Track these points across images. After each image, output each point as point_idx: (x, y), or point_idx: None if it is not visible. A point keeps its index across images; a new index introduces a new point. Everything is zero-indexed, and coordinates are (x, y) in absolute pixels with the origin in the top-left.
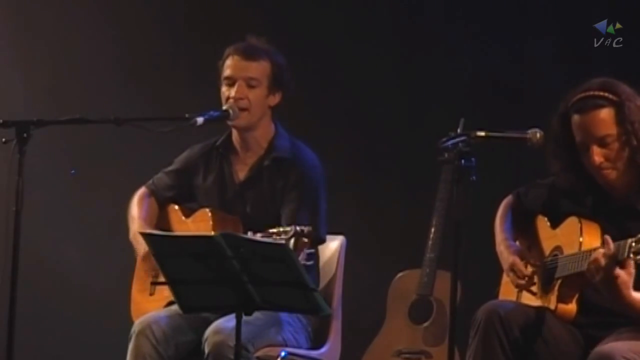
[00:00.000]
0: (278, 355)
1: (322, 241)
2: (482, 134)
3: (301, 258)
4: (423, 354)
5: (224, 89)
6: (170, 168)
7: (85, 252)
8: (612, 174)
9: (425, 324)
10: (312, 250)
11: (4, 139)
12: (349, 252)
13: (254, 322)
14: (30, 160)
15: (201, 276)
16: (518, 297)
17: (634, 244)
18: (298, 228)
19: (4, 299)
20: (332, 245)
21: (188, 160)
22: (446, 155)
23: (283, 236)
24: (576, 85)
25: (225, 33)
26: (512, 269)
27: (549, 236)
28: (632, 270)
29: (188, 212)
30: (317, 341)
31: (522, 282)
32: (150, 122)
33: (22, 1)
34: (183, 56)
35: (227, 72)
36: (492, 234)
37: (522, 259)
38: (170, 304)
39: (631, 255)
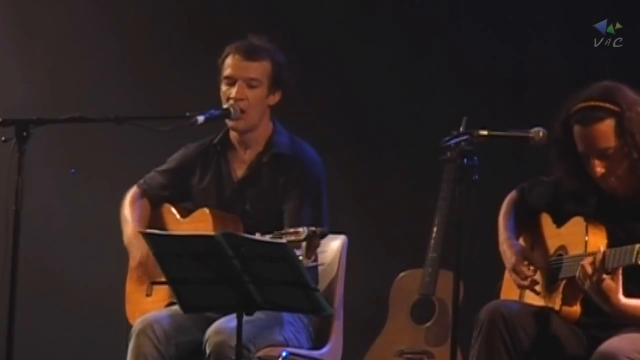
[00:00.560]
0: (279, 356)
1: (326, 235)
2: (485, 132)
3: (312, 259)
4: (425, 354)
5: (224, 88)
6: (164, 167)
7: (85, 251)
8: (613, 183)
9: (428, 324)
10: (321, 252)
11: (3, 138)
12: (351, 251)
13: (255, 322)
14: (29, 159)
15: (202, 276)
16: (521, 296)
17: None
18: (311, 229)
19: (4, 298)
20: (334, 245)
21: (184, 160)
22: (448, 154)
23: (294, 237)
24: (581, 83)
25: (225, 31)
26: (515, 269)
27: (553, 234)
28: (619, 276)
29: (184, 213)
30: (319, 341)
31: (525, 283)
32: (151, 121)
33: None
34: (184, 55)
35: (227, 71)
36: (495, 233)
37: (524, 259)
38: (171, 304)
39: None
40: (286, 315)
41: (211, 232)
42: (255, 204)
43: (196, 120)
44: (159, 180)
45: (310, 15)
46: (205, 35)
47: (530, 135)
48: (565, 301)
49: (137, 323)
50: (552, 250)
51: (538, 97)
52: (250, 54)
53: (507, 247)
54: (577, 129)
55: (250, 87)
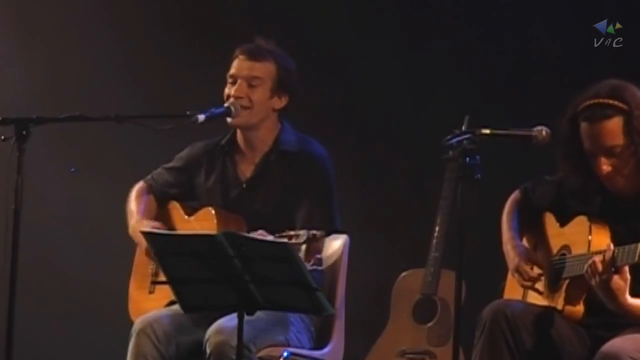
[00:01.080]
0: (280, 356)
1: (338, 231)
2: (487, 131)
3: (312, 262)
4: (427, 354)
5: (227, 87)
6: (171, 165)
7: (85, 250)
8: (619, 182)
9: (430, 324)
10: (321, 256)
11: (3, 137)
12: (353, 251)
13: (256, 322)
14: (29, 158)
15: (202, 275)
16: (524, 296)
17: None
18: (310, 233)
19: (4, 297)
20: (336, 245)
21: (190, 158)
22: (451, 153)
23: (294, 240)
24: (581, 83)
25: (227, 31)
26: (518, 269)
27: (557, 234)
28: (627, 276)
29: (190, 211)
30: (320, 341)
31: (528, 282)
32: (151, 120)
33: None
34: (184, 54)
35: (231, 70)
36: (497, 232)
37: (528, 260)
38: (171, 303)
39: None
40: (287, 315)
41: (212, 232)
42: (264, 203)
43: (197, 119)
44: (166, 178)
45: (311, 15)
46: (205, 35)
47: (534, 134)
48: (568, 301)
49: (136, 323)
50: (555, 249)
51: (540, 96)
52: (253, 54)
53: (511, 247)
54: (584, 126)
55: (251, 86)
